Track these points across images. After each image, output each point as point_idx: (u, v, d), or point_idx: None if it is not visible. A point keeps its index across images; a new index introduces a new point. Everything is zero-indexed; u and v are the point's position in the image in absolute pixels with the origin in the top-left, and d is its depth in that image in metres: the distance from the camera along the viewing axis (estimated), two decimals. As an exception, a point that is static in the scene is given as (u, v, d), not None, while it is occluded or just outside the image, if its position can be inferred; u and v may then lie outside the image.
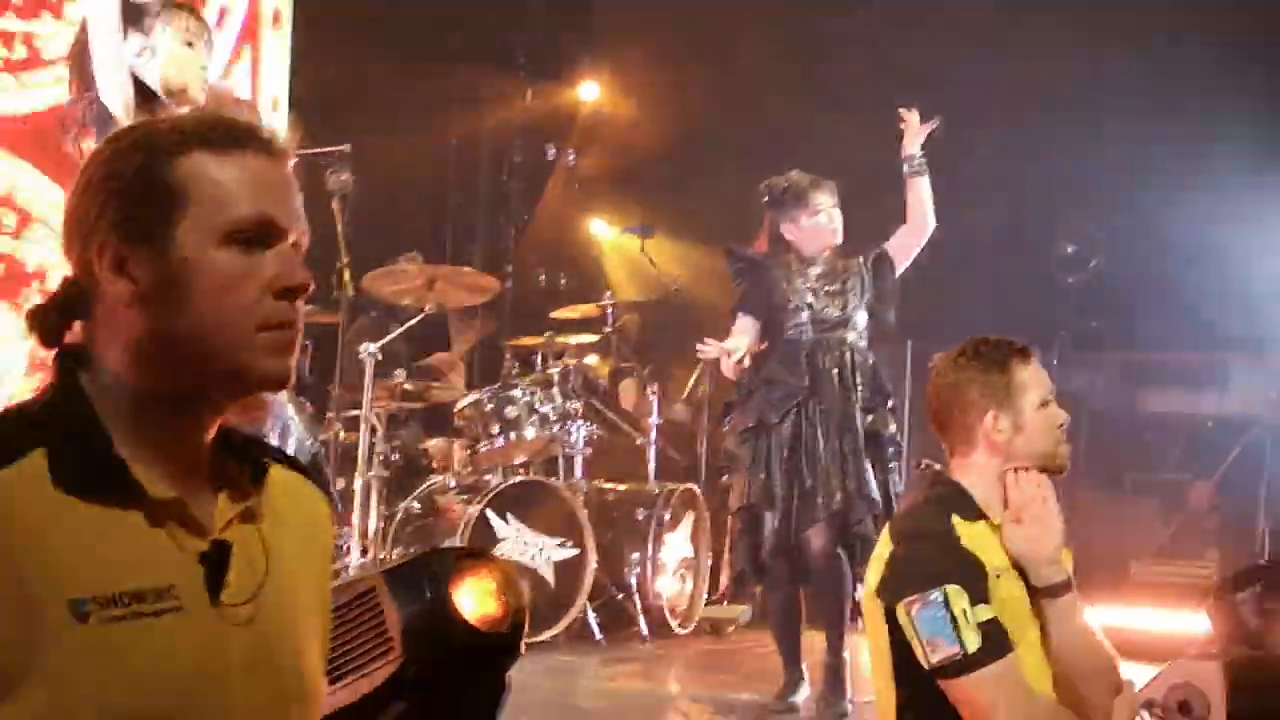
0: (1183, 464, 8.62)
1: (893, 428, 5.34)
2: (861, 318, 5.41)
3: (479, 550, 1.83)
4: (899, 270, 5.48)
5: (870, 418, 5.28)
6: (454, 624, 1.74)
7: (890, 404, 5.37)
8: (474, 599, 1.76)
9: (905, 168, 5.45)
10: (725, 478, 5.57)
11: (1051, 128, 8.44)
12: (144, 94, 4.12)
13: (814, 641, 5.43)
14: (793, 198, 5.40)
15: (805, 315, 5.36)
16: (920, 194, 5.45)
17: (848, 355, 5.34)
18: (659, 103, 9.66)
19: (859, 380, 5.31)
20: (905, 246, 5.49)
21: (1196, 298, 8.28)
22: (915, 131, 5.44)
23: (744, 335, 5.36)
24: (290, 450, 4.96)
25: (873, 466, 5.23)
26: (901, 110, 5.49)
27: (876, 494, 5.17)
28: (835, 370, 5.30)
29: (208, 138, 1.54)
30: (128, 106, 4.00)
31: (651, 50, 9.55)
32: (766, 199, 5.46)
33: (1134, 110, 8.22)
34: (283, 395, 4.41)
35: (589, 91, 10.16)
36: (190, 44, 4.14)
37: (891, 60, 8.43)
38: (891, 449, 5.31)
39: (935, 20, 8.62)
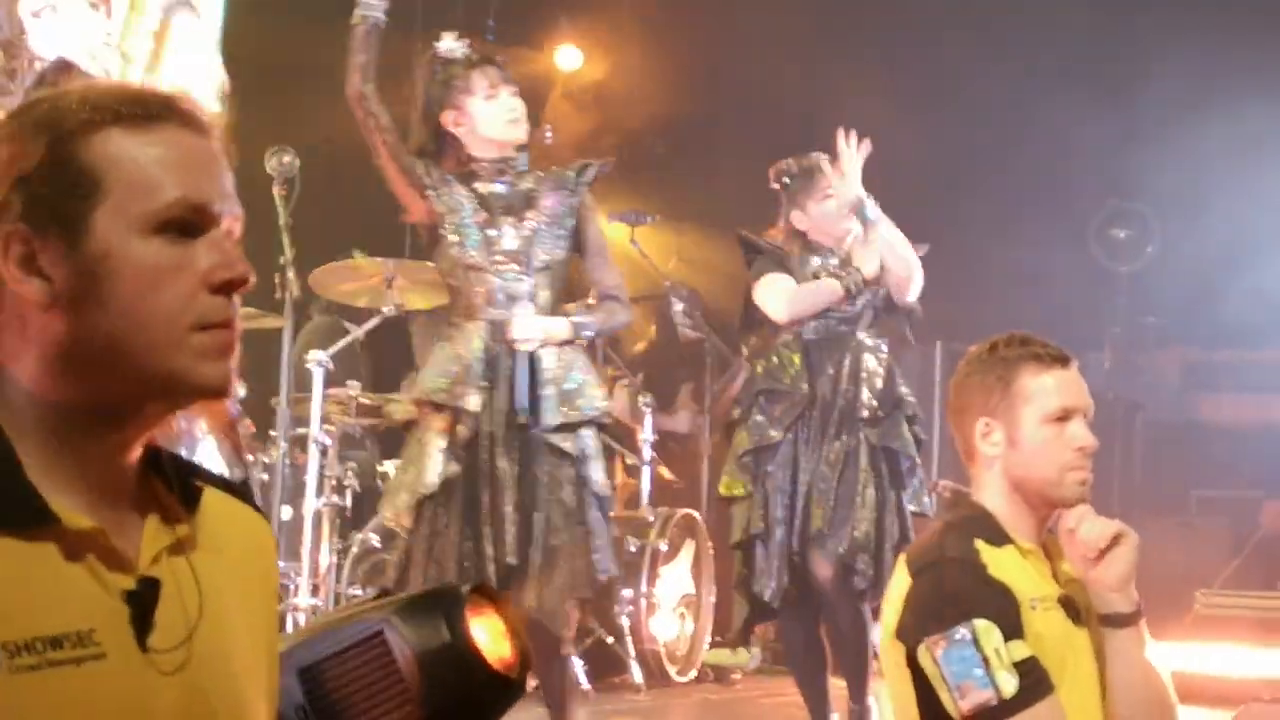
0: (1256, 479, 8.64)
1: (908, 441, 5.34)
2: (873, 314, 5.43)
3: (486, 588, 1.88)
4: (906, 305, 5.45)
5: (877, 430, 5.31)
6: (477, 664, 1.79)
7: (910, 414, 5.38)
8: (488, 639, 1.81)
9: (855, 215, 5.31)
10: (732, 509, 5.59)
11: (1099, 93, 8.46)
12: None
13: (838, 689, 5.45)
14: (802, 182, 5.46)
15: None
16: (887, 241, 5.33)
17: (853, 357, 5.36)
18: (650, 69, 9.67)
19: (864, 386, 5.33)
20: (899, 290, 5.42)
21: (1271, 287, 8.29)
22: (850, 165, 5.28)
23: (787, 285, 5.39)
24: None
25: (879, 485, 5.26)
26: (841, 141, 5.31)
27: (864, 526, 5.20)
28: (834, 374, 5.34)
29: (122, 112, 1.54)
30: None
31: (640, 8, 9.55)
32: (776, 185, 5.52)
33: (1192, 72, 8.24)
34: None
35: (568, 58, 10.16)
36: (94, 5, 4.13)
37: (919, 18, 8.46)
38: (906, 464, 5.32)
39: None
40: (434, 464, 4.60)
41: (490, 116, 4.79)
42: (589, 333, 4.87)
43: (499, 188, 4.79)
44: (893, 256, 5.34)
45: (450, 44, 4.89)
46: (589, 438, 4.72)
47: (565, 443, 4.67)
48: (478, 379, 4.66)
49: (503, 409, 4.66)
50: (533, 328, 4.71)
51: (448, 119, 4.79)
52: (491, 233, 4.75)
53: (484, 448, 4.65)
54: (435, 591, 1.87)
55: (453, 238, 4.77)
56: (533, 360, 4.68)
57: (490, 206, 4.77)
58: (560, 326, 4.76)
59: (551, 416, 4.64)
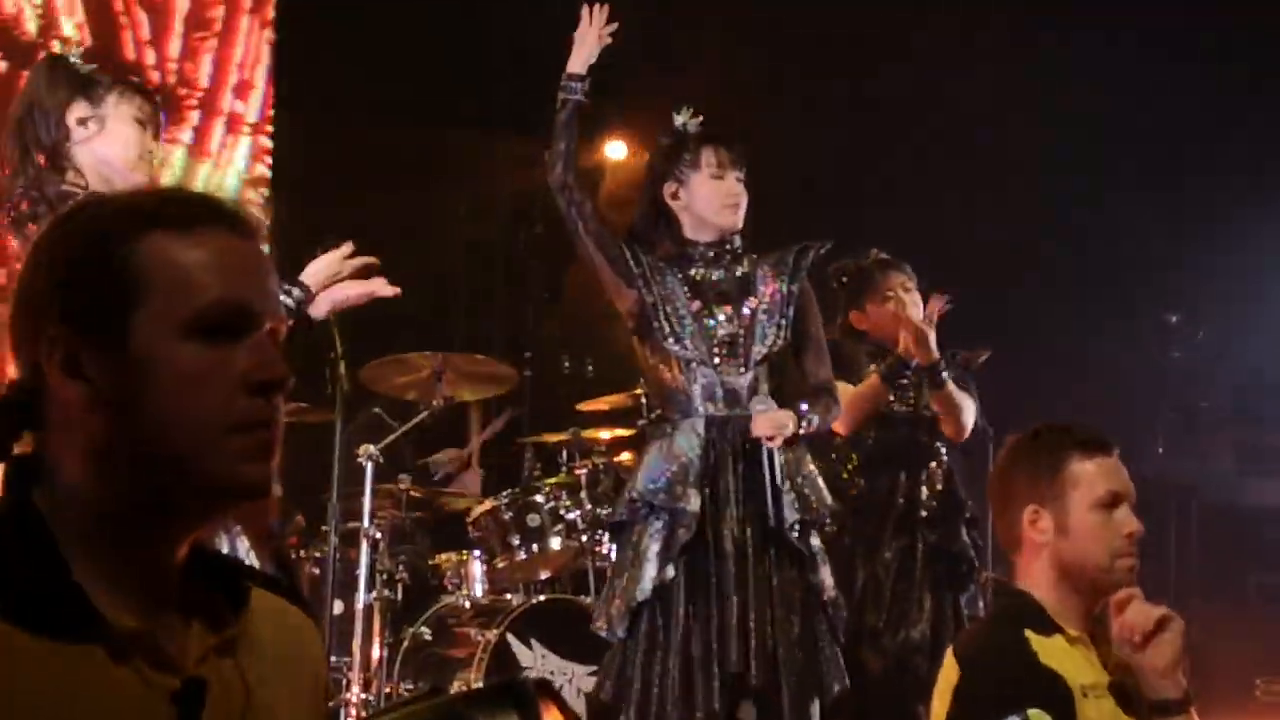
0: (1315, 564, 8.55)
1: (965, 545, 5.27)
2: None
3: (544, 683, 1.91)
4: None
5: (935, 533, 5.26)
6: None
7: (969, 516, 5.32)
8: None
9: (929, 376, 5.19)
10: None
11: (1153, 181, 8.46)
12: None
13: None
14: (860, 283, 5.46)
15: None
16: (954, 402, 5.26)
17: (912, 458, 5.32)
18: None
19: (924, 487, 5.29)
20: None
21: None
22: (923, 330, 5.14)
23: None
24: None
25: (937, 588, 5.21)
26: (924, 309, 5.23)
27: (921, 628, 5.13)
28: (893, 473, 5.29)
29: (165, 216, 1.54)
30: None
31: (683, 102, 9.62)
32: (835, 285, 5.51)
33: (1249, 157, 8.24)
34: None
35: (616, 151, 10.23)
36: (141, 123, 4.19)
37: (955, 103, 8.48)
38: (964, 568, 5.26)
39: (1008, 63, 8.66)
40: (650, 569, 4.33)
41: (710, 196, 4.54)
42: (811, 426, 4.50)
43: (715, 273, 4.56)
44: (955, 417, 5.27)
45: (685, 117, 4.70)
46: (816, 539, 4.48)
47: (800, 543, 4.41)
48: (698, 479, 4.38)
49: (726, 509, 4.38)
50: (777, 425, 4.38)
51: (667, 190, 4.59)
52: (708, 322, 4.48)
53: (706, 551, 4.36)
54: (502, 685, 1.88)
55: (665, 328, 4.48)
56: (767, 457, 4.39)
57: (705, 294, 4.51)
58: (792, 420, 4.44)
59: (789, 514, 4.37)
